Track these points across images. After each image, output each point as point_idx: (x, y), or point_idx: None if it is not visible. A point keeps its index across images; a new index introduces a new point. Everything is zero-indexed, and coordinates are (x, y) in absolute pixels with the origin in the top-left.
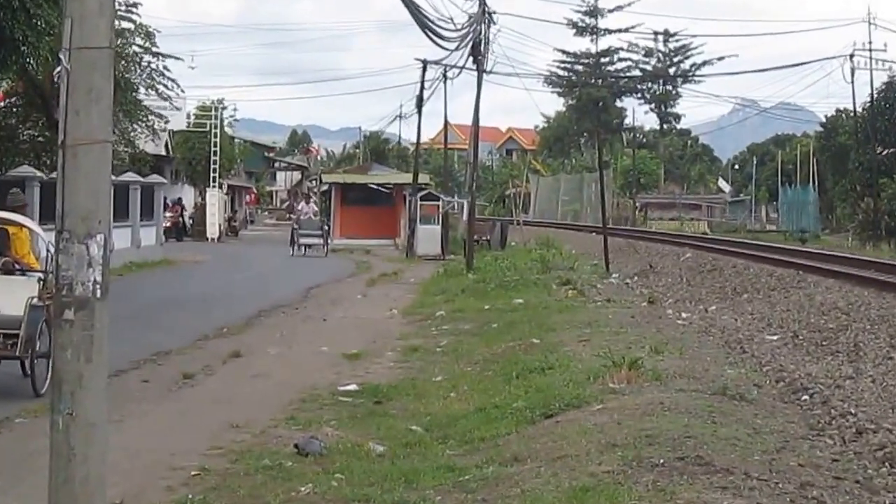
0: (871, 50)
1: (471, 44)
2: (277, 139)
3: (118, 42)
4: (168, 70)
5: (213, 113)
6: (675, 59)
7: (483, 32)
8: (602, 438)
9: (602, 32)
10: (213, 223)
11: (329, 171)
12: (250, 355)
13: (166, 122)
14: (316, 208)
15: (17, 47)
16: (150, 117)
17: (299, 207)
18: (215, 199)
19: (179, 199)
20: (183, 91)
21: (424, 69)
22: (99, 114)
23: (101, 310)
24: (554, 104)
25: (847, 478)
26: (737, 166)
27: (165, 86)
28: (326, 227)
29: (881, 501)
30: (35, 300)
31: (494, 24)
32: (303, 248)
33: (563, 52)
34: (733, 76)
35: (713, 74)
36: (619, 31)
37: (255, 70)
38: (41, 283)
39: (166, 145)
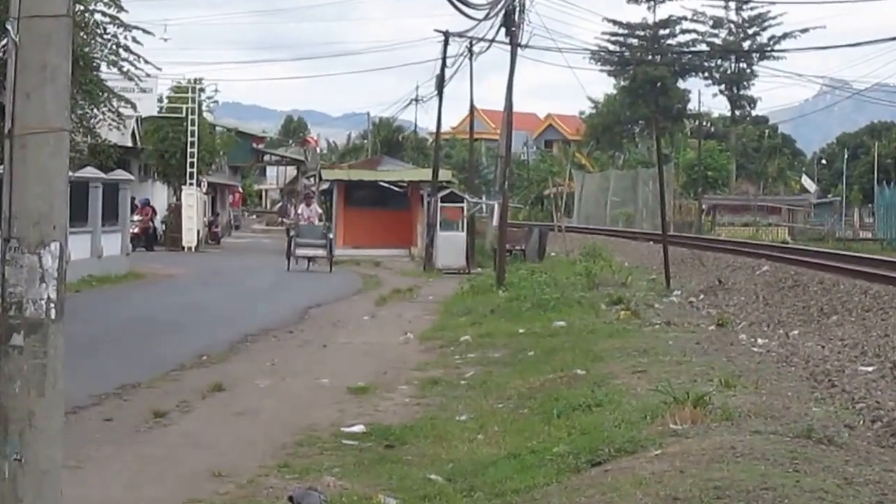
0: None
1: (503, 12)
2: (268, 127)
3: (77, 9)
4: (139, 43)
5: (189, 95)
6: (750, 31)
7: None
8: (661, 490)
9: None
10: (191, 228)
11: (330, 166)
12: (235, 389)
13: (134, 106)
14: (320, 211)
15: None
16: (114, 100)
17: (299, 211)
18: (193, 200)
19: (149, 199)
20: (160, 68)
21: (446, 43)
22: (54, 96)
23: (55, 334)
24: (603, 85)
25: None
26: (824, 161)
27: (132, 63)
28: (331, 236)
29: None
30: None
31: None
32: (305, 262)
33: (615, 22)
34: (820, 52)
35: (796, 49)
36: None
37: (241, 44)
38: None
39: (134, 134)
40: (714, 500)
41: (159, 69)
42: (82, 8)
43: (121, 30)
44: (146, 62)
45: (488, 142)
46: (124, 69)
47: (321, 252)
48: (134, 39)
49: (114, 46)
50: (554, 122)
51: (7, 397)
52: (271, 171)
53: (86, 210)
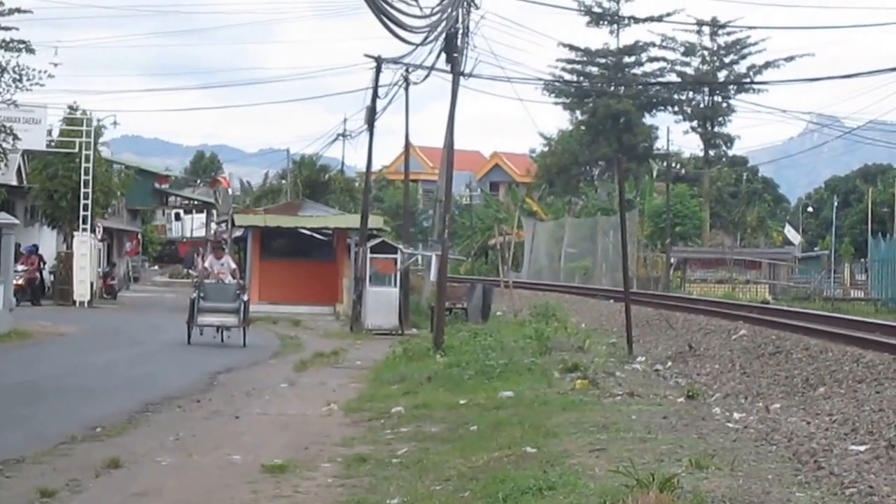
0: None
1: (444, 36)
2: (172, 164)
3: None
4: (29, 52)
5: (84, 128)
6: (727, 60)
7: (461, 20)
8: None
9: (626, 21)
10: (83, 280)
11: (244, 210)
12: (134, 466)
13: (16, 139)
14: (233, 265)
15: None
16: None
17: (206, 264)
18: (86, 248)
19: (36, 246)
20: (52, 70)
21: (378, 70)
22: None
23: None
24: (557, 120)
25: None
26: (810, 209)
27: (16, 80)
28: (245, 298)
29: None
30: None
31: (477, 8)
32: (215, 332)
33: (571, 47)
34: (808, 84)
35: (779, 81)
36: (650, 19)
37: (142, 70)
38: None
39: (18, 171)
40: None
41: (52, 72)
42: None
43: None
44: (23, 77)
45: (426, 183)
46: (7, 96)
47: (232, 319)
48: (26, 49)
49: None
50: (501, 161)
51: None
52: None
53: None
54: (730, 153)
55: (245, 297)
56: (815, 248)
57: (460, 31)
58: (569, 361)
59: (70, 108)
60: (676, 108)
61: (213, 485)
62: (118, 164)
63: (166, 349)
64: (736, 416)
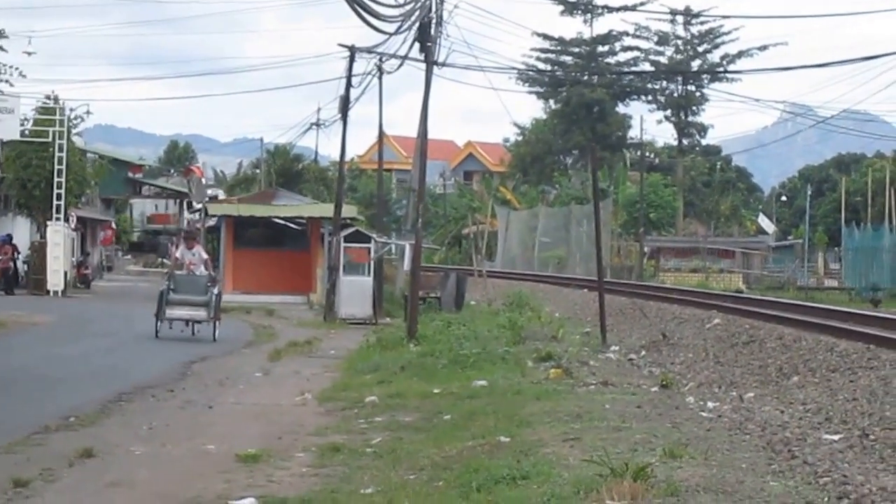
0: None
1: (417, 25)
2: (145, 154)
3: None
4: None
5: (57, 117)
6: (700, 49)
7: (434, 9)
8: None
9: (600, 10)
10: (57, 270)
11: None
12: (107, 455)
13: None
14: (205, 256)
15: None
16: None
17: (177, 254)
18: (60, 237)
19: (9, 236)
20: (15, 77)
21: (352, 59)
22: None
23: None
24: (531, 109)
25: None
26: (784, 198)
27: None
28: (216, 291)
29: None
30: None
31: None
32: (185, 325)
33: (545, 36)
34: (781, 73)
35: (753, 70)
36: (624, 8)
37: (116, 59)
38: None
39: None
40: None
41: (26, 61)
42: None
43: None
44: (1, 73)
45: (399, 173)
46: None
47: (202, 313)
48: None
49: None
50: (475, 150)
51: None
52: (149, 206)
53: None
54: (703, 142)
55: (216, 290)
56: (789, 238)
57: (434, 21)
58: (542, 351)
59: (47, 97)
60: (650, 98)
61: (186, 474)
62: (92, 153)
63: (140, 338)
64: (710, 405)
